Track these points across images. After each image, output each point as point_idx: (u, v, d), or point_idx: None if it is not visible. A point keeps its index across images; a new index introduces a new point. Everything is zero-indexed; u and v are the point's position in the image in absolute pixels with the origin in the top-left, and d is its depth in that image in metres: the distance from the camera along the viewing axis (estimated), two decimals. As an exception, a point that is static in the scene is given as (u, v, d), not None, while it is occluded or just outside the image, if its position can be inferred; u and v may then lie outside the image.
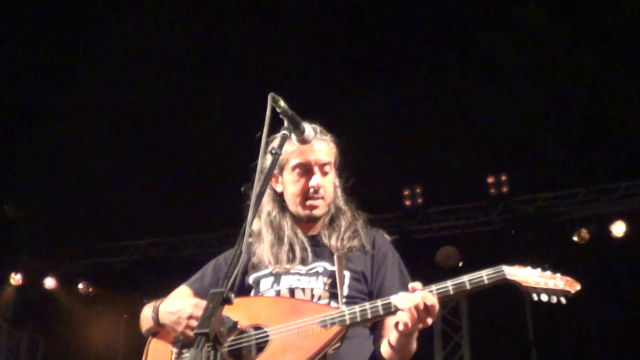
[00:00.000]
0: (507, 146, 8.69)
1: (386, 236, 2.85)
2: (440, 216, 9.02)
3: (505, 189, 8.55)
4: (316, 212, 2.73)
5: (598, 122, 8.29)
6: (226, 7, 8.03)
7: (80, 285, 9.73)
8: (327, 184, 2.75)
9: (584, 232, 8.08)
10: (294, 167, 2.71)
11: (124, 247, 9.95)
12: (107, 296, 9.83)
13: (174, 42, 8.32)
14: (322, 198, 2.73)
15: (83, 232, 9.86)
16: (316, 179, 2.70)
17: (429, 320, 2.32)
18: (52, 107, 8.70)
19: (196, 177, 9.05)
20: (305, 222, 2.76)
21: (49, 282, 9.77)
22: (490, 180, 8.60)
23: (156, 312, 2.62)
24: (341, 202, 2.82)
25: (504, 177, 8.56)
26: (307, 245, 2.70)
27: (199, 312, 2.45)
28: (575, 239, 8.11)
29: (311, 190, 2.70)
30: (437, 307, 2.33)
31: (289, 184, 2.74)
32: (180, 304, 2.57)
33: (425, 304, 2.30)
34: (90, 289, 9.73)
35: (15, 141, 8.94)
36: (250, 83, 8.04)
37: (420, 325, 2.32)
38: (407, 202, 8.83)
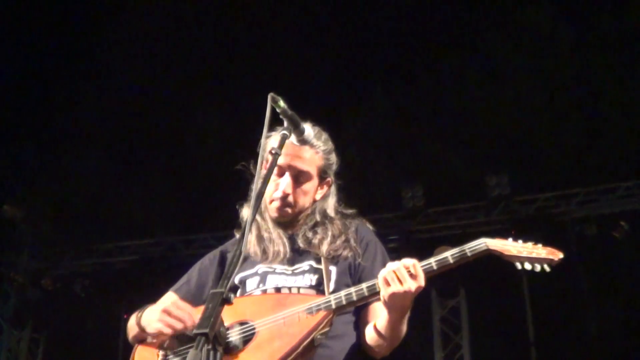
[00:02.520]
0: (507, 146, 8.69)
1: (369, 226, 2.85)
2: (440, 216, 9.02)
3: (505, 189, 8.56)
4: (279, 219, 2.73)
5: (598, 123, 8.29)
6: (226, 7, 8.03)
7: (80, 285, 9.74)
8: (299, 192, 2.72)
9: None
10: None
11: (124, 247, 9.94)
12: (107, 296, 9.83)
13: (175, 42, 8.32)
14: (289, 206, 2.71)
15: (83, 232, 9.85)
16: (283, 185, 2.69)
17: (412, 284, 2.31)
18: (52, 107, 8.70)
19: (196, 177, 9.05)
20: (281, 222, 2.75)
21: (49, 282, 9.77)
22: (491, 180, 8.60)
23: (140, 317, 2.63)
24: (331, 211, 2.80)
25: (504, 178, 8.56)
26: (288, 244, 2.70)
27: (163, 316, 2.48)
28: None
29: (278, 194, 2.69)
30: (418, 268, 2.34)
31: None
32: (155, 309, 2.57)
33: (405, 266, 2.32)
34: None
35: (16, 141, 8.94)
36: (250, 83, 8.04)
37: (404, 288, 2.30)
38: (407, 202, 8.84)
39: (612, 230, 8.18)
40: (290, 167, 2.68)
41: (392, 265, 2.35)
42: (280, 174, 2.70)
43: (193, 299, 2.75)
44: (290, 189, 2.69)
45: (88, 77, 8.42)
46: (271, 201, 2.72)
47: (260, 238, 2.73)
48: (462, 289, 8.95)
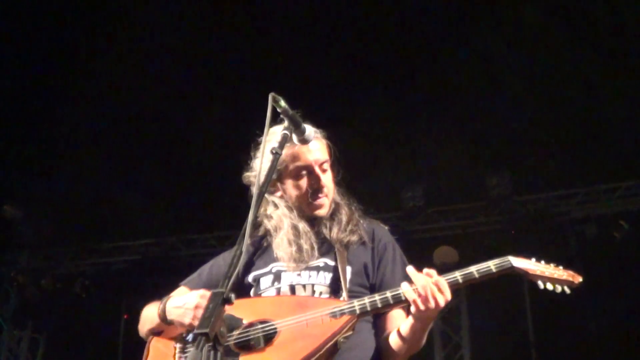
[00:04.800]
0: (507, 146, 8.68)
1: (383, 226, 2.88)
2: (440, 216, 9.02)
3: (505, 189, 8.55)
4: (321, 212, 2.76)
5: (598, 122, 8.28)
6: (226, 8, 8.02)
7: (80, 285, 9.74)
8: (328, 181, 2.77)
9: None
10: (294, 172, 2.72)
11: (124, 247, 9.95)
12: (107, 296, 9.83)
13: (174, 41, 8.32)
14: (326, 196, 2.75)
15: (83, 232, 9.85)
16: (319, 180, 2.72)
17: (441, 300, 2.35)
18: (53, 107, 8.70)
19: (196, 178, 9.05)
20: (310, 220, 2.77)
21: (49, 282, 9.77)
22: (491, 180, 8.60)
23: (163, 309, 2.60)
24: (338, 197, 2.84)
25: (504, 178, 8.56)
26: (312, 241, 2.71)
27: (205, 302, 2.45)
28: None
29: (316, 190, 2.71)
30: (446, 286, 2.37)
31: (292, 189, 2.75)
32: (186, 297, 2.55)
33: (435, 283, 2.35)
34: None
35: (16, 141, 8.94)
36: (250, 83, 8.04)
37: (432, 305, 2.34)
38: (407, 202, 8.83)
39: (612, 230, 8.18)
40: (315, 162, 2.71)
41: (423, 280, 2.37)
42: (308, 173, 2.72)
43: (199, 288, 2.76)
44: (325, 180, 2.74)
45: (89, 77, 8.41)
46: (309, 200, 2.73)
47: (288, 237, 2.72)
48: (462, 289, 8.95)
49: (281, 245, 2.73)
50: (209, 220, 9.22)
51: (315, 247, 2.70)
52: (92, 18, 8.09)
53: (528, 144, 8.69)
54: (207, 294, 2.47)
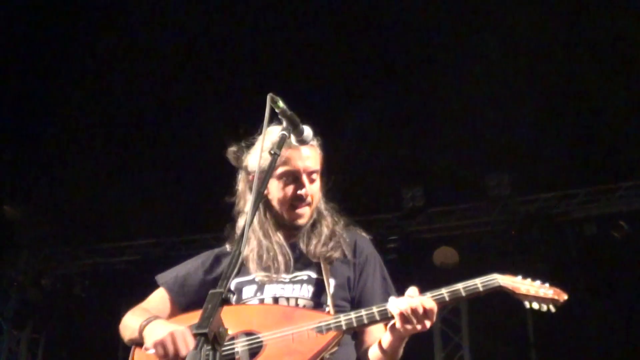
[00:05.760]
0: (507, 146, 8.68)
1: (365, 235, 2.85)
2: (440, 216, 9.01)
3: (505, 189, 8.55)
4: (301, 222, 2.73)
5: (598, 122, 8.28)
6: (224, 8, 8.02)
7: (80, 285, 9.74)
8: (314, 191, 2.74)
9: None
10: (281, 175, 2.69)
11: (124, 247, 9.94)
12: (107, 296, 9.82)
13: (174, 42, 8.31)
14: (309, 205, 2.72)
15: (83, 232, 9.84)
16: (304, 188, 2.69)
17: (428, 323, 2.35)
18: (52, 107, 8.70)
19: (196, 178, 9.04)
20: (287, 229, 2.74)
21: (49, 282, 9.76)
22: (491, 180, 8.59)
23: (141, 332, 2.57)
24: (322, 206, 2.81)
25: (504, 178, 8.55)
26: (289, 252, 2.69)
27: (170, 340, 2.40)
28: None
29: (299, 198, 2.69)
30: (435, 310, 2.36)
31: (275, 190, 2.72)
32: (161, 331, 2.48)
33: (424, 307, 2.33)
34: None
35: (16, 141, 8.94)
36: (250, 83, 8.03)
37: (419, 327, 2.34)
38: (407, 202, 8.82)
39: (612, 230, 8.18)
40: (304, 170, 2.69)
41: (411, 302, 2.34)
42: (294, 179, 2.69)
43: (177, 297, 2.77)
44: (309, 189, 2.71)
45: (87, 77, 8.41)
46: (290, 207, 2.70)
47: (260, 247, 2.70)
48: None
49: (250, 255, 2.70)
50: (209, 220, 9.19)
51: (291, 260, 2.67)
52: (91, 18, 8.09)
53: (528, 144, 8.69)
54: (178, 329, 2.42)
